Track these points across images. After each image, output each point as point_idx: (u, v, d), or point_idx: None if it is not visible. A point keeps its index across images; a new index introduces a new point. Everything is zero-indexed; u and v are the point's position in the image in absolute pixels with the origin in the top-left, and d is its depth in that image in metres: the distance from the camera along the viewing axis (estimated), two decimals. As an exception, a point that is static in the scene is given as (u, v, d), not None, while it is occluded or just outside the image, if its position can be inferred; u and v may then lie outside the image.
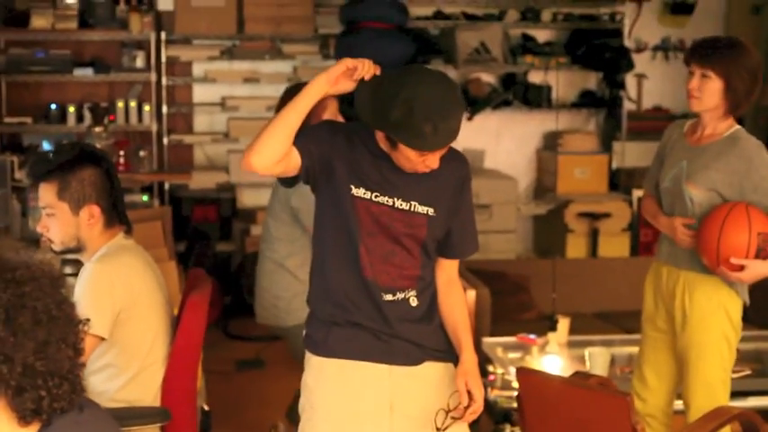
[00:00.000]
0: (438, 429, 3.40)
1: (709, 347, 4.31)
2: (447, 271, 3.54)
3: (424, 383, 3.50)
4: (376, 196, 3.34)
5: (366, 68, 3.28)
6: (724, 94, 4.25)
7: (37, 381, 2.06)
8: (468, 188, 3.50)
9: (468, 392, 3.40)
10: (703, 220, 4.26)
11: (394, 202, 3.35)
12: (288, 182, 3.46)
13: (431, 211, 3.39)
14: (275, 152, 3.21)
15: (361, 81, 3.28)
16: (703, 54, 4.29)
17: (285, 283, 5.30)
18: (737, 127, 4.33)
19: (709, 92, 4.26)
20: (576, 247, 8.72)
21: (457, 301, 3.54)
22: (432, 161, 3.27)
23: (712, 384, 4.33)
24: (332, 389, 3.49)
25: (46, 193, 3.78)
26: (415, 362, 3.49)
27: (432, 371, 3.51)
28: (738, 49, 4.30)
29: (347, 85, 3.31)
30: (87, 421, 2.14)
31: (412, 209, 3.37)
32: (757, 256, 4.16)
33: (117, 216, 3.85)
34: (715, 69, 4.24)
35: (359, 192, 3.34)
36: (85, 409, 2.15)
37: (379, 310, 3.41)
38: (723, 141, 4.28)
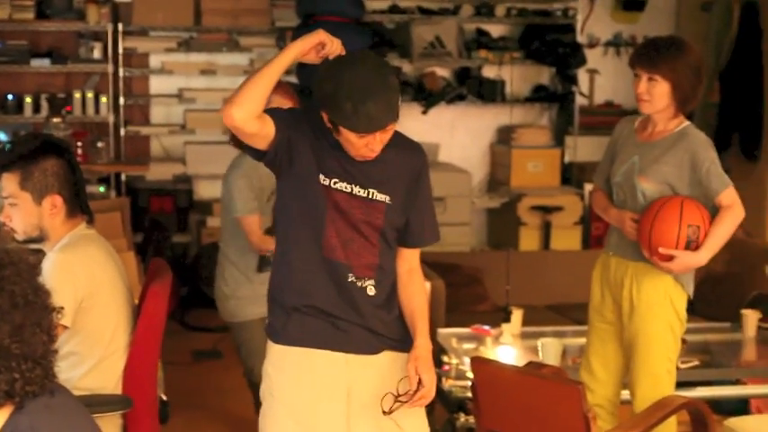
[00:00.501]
0: (384, 413, 3.45)
1: (656, 337, 4.42)
2: (408, 260, 3.61)
3: (381, 372, 3.56)
4: (335, 183, 3.41)
5: (334, 48, 3.36)
6: (672, 94, 4.36)
7: (11, 363, 2.11)
8: (426, 178, 3.57)
9: (419, 379, 3.47)
10: (642, 211, 4.39)
11: (352, 189, 3.42)
12: (255, 153, 3.48)
13: (388, 198, 3.46)
14: (255, 104, 3.27)
15: (324, 60, 3.36)
16: (648, 58, 4.40)
17: (231, 278, 5.38)
18: (687, 123, 4.44)
19: (658, 94, 4.36)
20: (528, 240, 8.81)
21: (416, 290, 3.61)
22: (372, 145, 3.32)
23: (658, 374, 4.43)
24: (290, 377, 3.55)
25: (8, 183, 3.81)
26: (373, 351, 3.55)
27: (389, 360, 3.58)
28: (681, 48, 4.41)
29: (313, 58, 3.38)
30: (59, 404, 2.19)
31: (370, 196, 3.44)
32: (687, 248, 4.28)
33: (79, 206, 3.90)
34: (661, 72, 4.35)
35: (322, 178, 3.41)
36: (56, 394, 2.20)
37: (341, 293, 3.47)
38: (673, 136, 4.39)
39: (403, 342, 3.58)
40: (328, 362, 3.54)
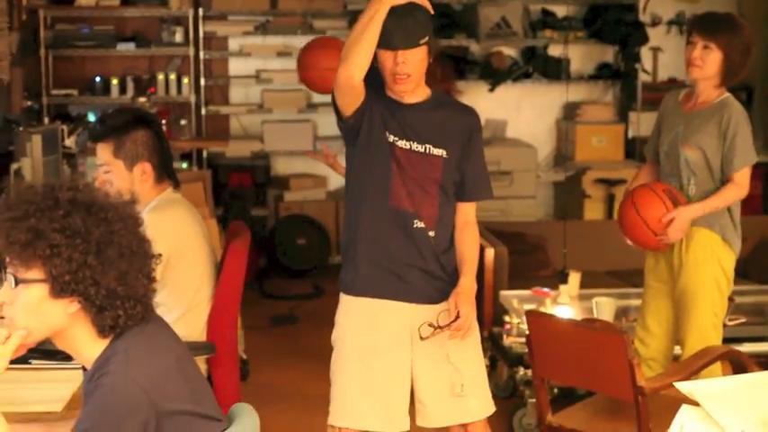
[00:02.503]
0: (422, 338, 3.84)
1: (702, 293, 4.69)
2: (464, 213, 3.99)
3: (441, 311, 3.89)
4: (396, 140, 3.81)
5: None
6: (722, 64, 4.65)
7: (116, 302, 2.46)
8: (479, 138, 3.96)
9: (458, 311, 3.83)
10: (619, 218, 4.78)
11: (411, 146, 3.83)
12: (340, 118, 3.90)
13: (444, 153, 3.86)
14: (367, 60, 3.71)
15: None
16: (707, 27, 4.70)
17: None
18: (727, 94, 4.72)
19: (710, 62, 4.65)
20: (593, 212, 9.05)
21: (469, 238, 3.98)
22: (403, 65, 3.75)
23: (704, 327, 4.70)
24: (358, 325, 3.96)
25: (103, 152, 4.20)
26: (433, 301, 3.94)
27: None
28: (737, 25, 4.72)
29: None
30: (150, 330, 2.55)
31: (427, 151, 3.83)
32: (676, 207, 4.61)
33: (166, 172, 4.27)
34: (717, 41, 4.64)
35: (388, 135, 3.80)
36: (150, 323, 2.58)
37: (407, 239, 3.87)
38: (714, 107, 4.68)
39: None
40: (393, 311, 3.93)
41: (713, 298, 4.72)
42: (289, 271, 8.69)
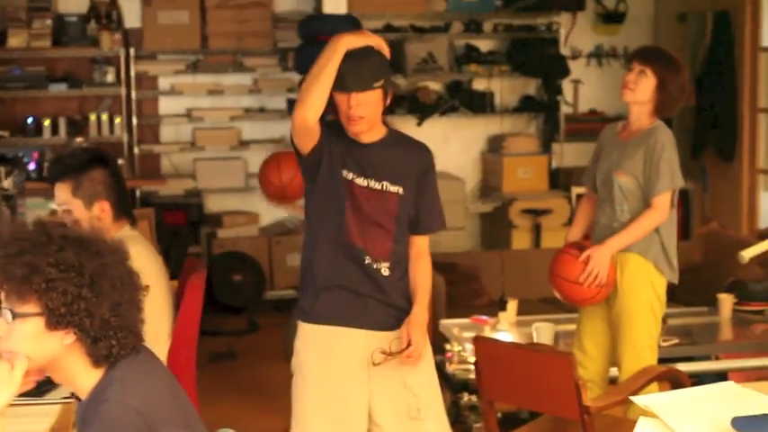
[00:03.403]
0: (374, 364, 3.99)
1: (637, 316, 4.86)
2: (417, 245, 4.14)
3: (394, 338, 4.04)
4: (354, 178, 3.96)
5: (377, 43, 3.95)
6: (655, 92, 4.81)
7: (110, 332, 2.57)
8: (432, 172, 4.12)
9: (409, 340, 3.98)
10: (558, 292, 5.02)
11: (369, 183, 3.97)
12: (299, 156, 4.03)
13: (401, 189, 4.01)
14: (322, 103, 3.84)
15: None
16: (645, 54, 4.92)
17: None
18: (659, 122, 4.92)
19: (643, 86, 4.82)
20: (520, 242, 9.24)
21: (422, 269, 4.13)
22: (356, 108, 3.88)
23: (640, 349, 4.86)
24: (316, 352, 4.07)
25: (61, 192, 4.25)
26: (389, 328, 4.07)
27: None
28: (675, 60, 4.90)
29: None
30: (142, 360, 2.67)
31: (384, 188, 3.98)
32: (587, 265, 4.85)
33: (123, 210, 4.35)
34: (653, 68, 4.81)
35: (345, 173, 3.95)
36: (141, 352, 2.70)
37: (362, 270, 4.00)
38: (644, 133, 4.86)
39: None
40: (350, 338, 4.05)
41: (648, 321, 4.89)
42: (225, 307, 8.77)
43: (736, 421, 2.88)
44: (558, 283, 4.97)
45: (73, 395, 3.34)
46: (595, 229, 5.03)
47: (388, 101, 3.98)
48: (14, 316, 2.53)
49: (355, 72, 3.85)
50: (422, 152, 4.14)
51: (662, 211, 4.81)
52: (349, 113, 3.90)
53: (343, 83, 3.86)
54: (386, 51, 3.95)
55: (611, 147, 4.99)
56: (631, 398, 3.27)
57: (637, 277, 4.88)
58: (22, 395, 2.63)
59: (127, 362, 2.62)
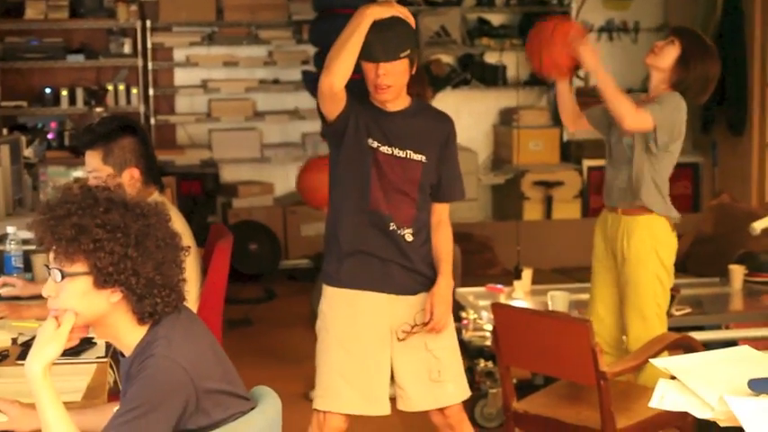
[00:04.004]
0: (399, 339, 4.14)
1: (644, 284, 4.93)
2: (438, 213, 4.27)
3: (419, 310, 4.20)
4: (379, 146, 4.07)
5: (395, 11, 4.05)
6: (677, 64, 4.85)
7: (154, 290, 2.68)
8: (454, 143, 4.24)
9: (432, 312, 4.12)
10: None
11: (393, 151, 4.08)
12: (325, 123, 4.15)
13: (423, 158, 4.12)
14: (348, 70, 3.94)
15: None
16: (681, 29, 5.01)
17: None
18: (672, 91, 4.97)
19: (667, 53, 4.87)
20: (532, 213, 9.35)
21: (444, 238, 4.26)
22: (383, 77, 3.99)
23: (648, 317, 4.94)
24: (341, 315, 4.21)
25: (92, 159, 4.34)
26: (411, 292, 4.20)
27: (424, 300, 4.22)
28: (708, 47, 4.93)
29: None
30: (184, 318, 2.79)
31: (408, 156, 4.10)
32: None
33: (152, 177, 4.45)
34: (682, 40, 4.87)
35: (370, 141, 4.05)
36: (183, 312, 2.81)
37: (386, 236, 4.12)
38: (657, 97, 4.90)
39: (434, 282, 4.22)
40: (374, 302, 4.18)
41: (655, 289, 4.96)
42: (241, 276, 8.89)
43: (753, 382, 2.98)
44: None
45: (112, 353, 3.47)
46: (611, 193, 5.08)
47: (413, 70, 4.07)
48: (63, 275, 2.64)
49: (383, 42, 3.95)
50: (444, 122, 4.25)
51: (640, 116, 4.72)
52: (377, 82, 4.01)
53: (371, 53, 3.96)
54: (411, 21, 4.05)
55: None
56: (651, 360, 3.38)
57: (643, 246, 4.95)
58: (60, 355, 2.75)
59: (170, 319, 2.73)
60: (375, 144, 4.08)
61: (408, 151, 4.12)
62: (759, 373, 3.08)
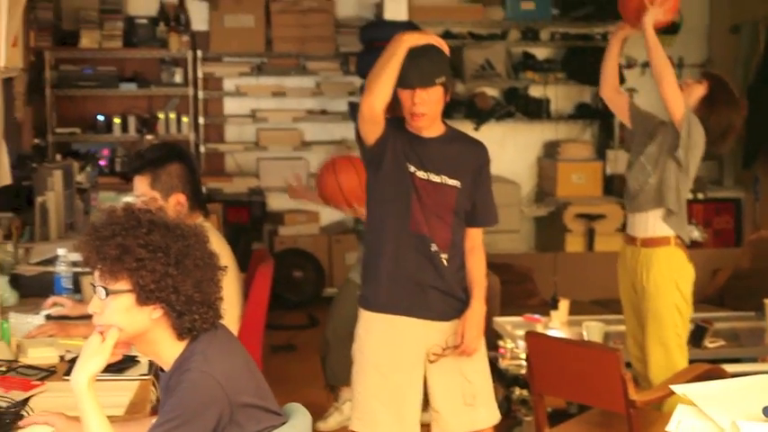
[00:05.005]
0: (430, 361, 4.25)
1: (664, 315, 5.03)
2: (472, 238, 4.37)
3: (451, 333, 4.31)
4: (416, 171, 4.19)
5: (429, 39, 4.17)
6: (701, 102, 5.00)
7: (193, 307, 2.82)
8: (487, 169, 4.35)
9: (463, 336, 4.24)
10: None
11: (429, 176, 4.21)
12: (363, 148, 4.29)
13: (458, 183, 4.24)
14: (388, 92, 4.07)
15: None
16: (713, 74, 5.13)
17: None
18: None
19: (694, 90, 5.03)
20: (574, 246, 9.40)
21: (477, 262, 4.37)
22: (419, 105, 4.11)
23: (668, 346, 5.04)
24: (378, 338, 4.32)
25: (140, 184, 4.48)
26: (446, 318, 4.31)
27: (457, 324, 4.32)
28: (734, 98, 5.05)
29: None
30: (220, 335, 2.92)
31: (443, 182, 4.22)
32: None
33: (197, 203, 4.58)
34: (711, 83, 5.03)
35: (409, 167, 4.18)
36: (219, 329, 2.95)
37: (426, 258, 4.23)
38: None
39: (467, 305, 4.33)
40: (411, 327, 4.29)
41: (675, 320, 5.05)
42: (285, 302, 9.04)
43: (767, 409, 3.07)
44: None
45: (155, 372, 3.61)
46: (633, 201, 5.19)
47: (447, 98, 4.20)
48: (108, 293, 2.78)
49: (418, 69, 4.08)
50: (479, 149, 4.37)
51: (678, 93, 4.90)
52: (413, 110, 4.14)
53: (407, 80, 4.09)
54: (446, 49, 4.18)
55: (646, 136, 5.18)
56: (671, 386, 3.47)
57: (662, 278, 5.05)
58: (104, 371, 2.88)
59: (208, 336, 2.86)
60: (413, 169, 4.21)
61: (443, 176, 4.23)
62: (777, 401, 3.17)
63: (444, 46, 4.19)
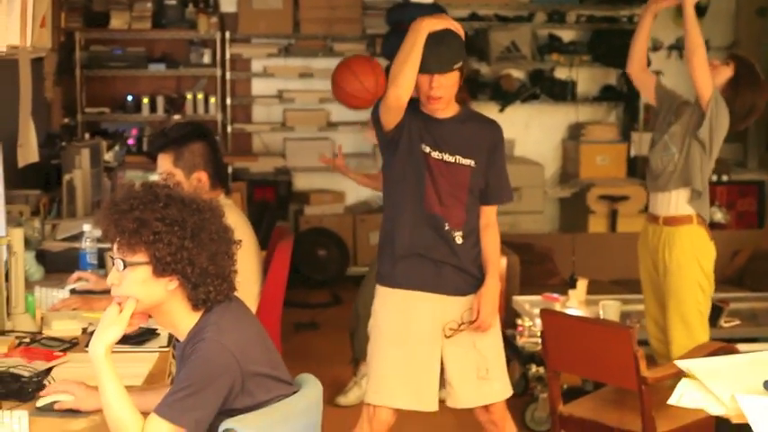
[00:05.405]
0: (446, 336, 4.35)
1: (686, 292, 5.11)
2: (486, 215, 4.46)
3: (466, 309, 4.41)
4: (431, 151, 4.29)
5: (447, 24, 4.27)
6: (728, 84, 5.06)
7: (208, 279, 2.91)
8: (502, 148, 4.44)
9: (479, 311, 4.33)
10: None
11: (443, 156, 4.30)
12: (382, 133, 4.36)
13: (473, 162, 4.33)
14: (412, 83, 4.17)
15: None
16: (740, 56, 5.19)
17: None
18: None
19: (722, 72, 5.10)
20: (597, 227, 9.44)
21: (492, 240, 4.46)
22: (437, 89, 4.21)
23: (690, 323, 5.11)
24: (394, 314, 4.42)
25: (164, 162, 4.59)
26: (462, 293, 4.41)
27: (473, 300, 4.41)
28: (760, 79, 5.12)
29: None
30: (234, 307, 3.02)
31: (457, 161, 4.31)
32: None
33: (219, 181, 4.68)
34: (737, 65, 5.10)
35: (424, 147, 4.27)
36: (233, 301, 3.05)
37: (440, 237, 4.33)
38: None
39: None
40: (427, 301, 4.39)
41: (697, 297, 5.13)
42: (309, 281, 9.14)
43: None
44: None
45: (172, 342, 3.72)
46: (656, 180, 5.24)
47: (462, 80, 4.29)
48: (126, 265, 2.89)
49: (437, 55, 4.17)
50: (492, 128, 4.46)
51: (707, 70, 4.97)
52: (430, 93, 4.23)
53: (426, 65, 4.18)
54: (461, 33, 4.27)
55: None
56: (675, 361, 3.55)
57: (683, 256, 5.12)
58: (124, 343, 2.97)
59: (221, 307, 2.97)
60: (427, 149, 4.30)
61: (457, 156, 4.33)
62: (779, 375, 3.24)
63: (460, 30, 4.28)
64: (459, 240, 4.37)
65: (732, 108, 5.01)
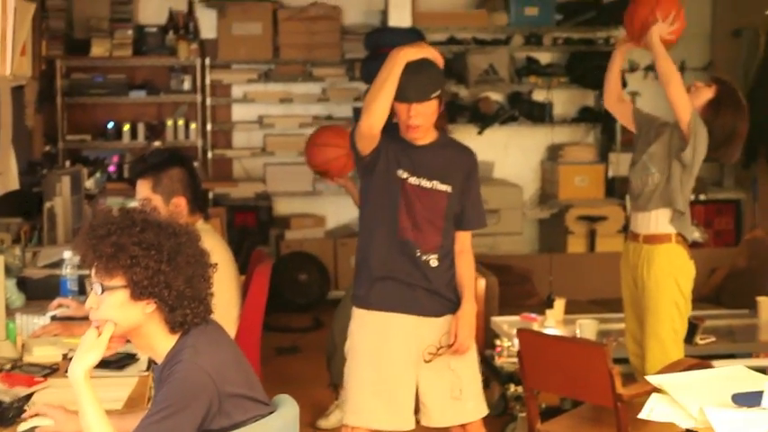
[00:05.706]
0: (425, 361, 4.40)
1: (662, 311, 5.11)
2: (461, 241, 4.52)
3: (442, 332, 4.47)
4: (408, 177, 4.35)
5: (431, 55, 4.31)
6: (708, 105, 5.05)
7: (185, 302, 2.96)
8: (476, 174, 4.50)
9: (456, 335, 4.39)
10: None
11: (420, 182, 4.36)
12: (358, 158, 4.40)
13: (449, 188, 4.39)
14: (386, 112, 4.20)
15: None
16: (722, 80, 5.18)
17: None
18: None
19: (702, 93, 5.09)
20: (575, 247, 9.52)
21: (466, 263, 4.52)
22: (415, 117, 4.26)
23: (664, 341, 5.11)
24: (370, 335, 4.47)
25: (142, 188, 4.63)
26: (437, 314, 4.46)
27: (448, 322, 4.48)
28: (741, 104, 5.11)
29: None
30: (211, 330, 3.07)
31: (434, 187, 4.37)
32: None
33: (198, 206, 4.73)
34: (718, 88, 5.09)
35: (401, 173, 4.33)
36: (210, 323, 3.09)
37: (412, 263, 4.38)
38: None
39: (459, 306, 4.49)
40: (401, 323, 4.44)
41: (673, 317, 5.13)
42: (291, 305, 9.18)
43: (736, 396, 3.21)
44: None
45: (150, 365, 3.76)
46: (636, 200, 5.28)
47: (441, 108, 4.34)
48: (104, 289, 2.93)
49: (415, 84, 4.22)
50: (468, 155, 4.53)
51: (685, 95, 4.94)
52: (408, 123, 4.29)
53: (404, 94, 4.23)
54: (440, 62, 4.33)
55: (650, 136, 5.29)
56: (646, 377, 3.60)
57: (662, 274, 5.14)
58: (105, 368, 3.00)
59: (198, 330, 3.01)
60: (405, 175, 4.36)
61: (435, 182, 4.39)
62: (746, 389, 3.30)
63: (439, 58, 4.33)
64: (434, 264, 4.42)
65: (711, 129, 5.01)
